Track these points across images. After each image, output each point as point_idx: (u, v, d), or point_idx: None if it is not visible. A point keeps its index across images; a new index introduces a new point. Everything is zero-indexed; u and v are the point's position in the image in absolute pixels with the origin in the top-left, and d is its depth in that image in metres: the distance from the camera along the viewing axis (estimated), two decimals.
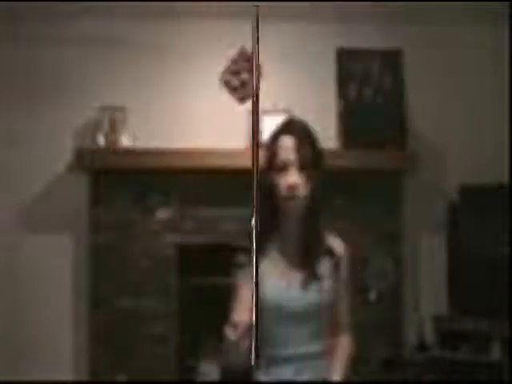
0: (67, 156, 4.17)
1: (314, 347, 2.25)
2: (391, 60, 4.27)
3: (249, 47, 4.28)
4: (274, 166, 2.21)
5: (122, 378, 4.11)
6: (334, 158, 3.66)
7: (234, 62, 4.29)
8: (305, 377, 2.23)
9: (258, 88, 1.02)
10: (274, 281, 2.22)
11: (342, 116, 4.24)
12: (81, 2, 4.20)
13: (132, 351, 4.13)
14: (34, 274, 4.22)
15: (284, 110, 4.07)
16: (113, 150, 4.11)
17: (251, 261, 2.20)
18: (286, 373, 2.23)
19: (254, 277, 1.04)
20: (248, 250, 2.23)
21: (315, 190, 2.23)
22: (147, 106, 4.23)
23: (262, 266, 2.23)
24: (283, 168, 2.20)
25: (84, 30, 4.22)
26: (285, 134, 2.23)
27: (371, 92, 4.24)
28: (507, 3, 4.16)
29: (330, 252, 2.28)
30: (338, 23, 4.27)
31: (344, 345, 2.36)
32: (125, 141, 4.13)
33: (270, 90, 4.27)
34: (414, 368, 3.89)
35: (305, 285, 2.21)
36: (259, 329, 2.24)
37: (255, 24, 0.99)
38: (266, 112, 4.16)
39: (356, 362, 2.39)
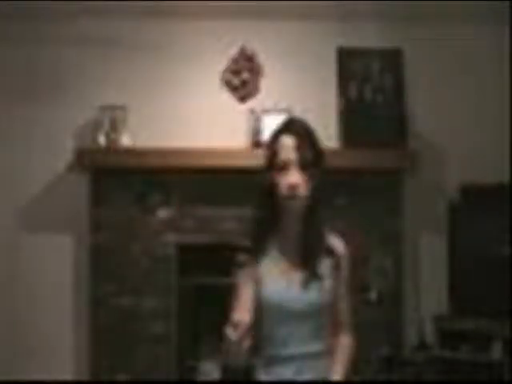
0: (67, 156, 4.17)
1: (314, 347, 2.24)
2: (391, 59, 4.27)
3: (249, 46, 4.28)
4: (274, 165, 2.21)
5: (122, 377, 4.11)
6: (334, 157, 3.65)
7: (235, 61, 4.29)
8: (305, 376, 2.23)
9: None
10: (275, 280, 2.22)
11: (342, 115, 4.24)
12: (80, 2, 4.21)
13: (132, 351, 4.13)
14: (34, 273, 4.23)
15: (284, 110, 4.08)
16: (113, 149, 4.11)
17: (251, 260, 2.21)
18: (287, 372, 2.23)
19: None
20: (248, 250, 2.24)
21: (316, 189, 2.23)
22: (147, 106, 4.24)
23: (262, 266, 2.24)
24: (284, 167, 2.19)
25: (84, 29, 4.23)
26: (285, 134, 2.23)
27: (371, 91, 4.24)
28: (507, 3, 4.16)
29: (330, 251, 2.28)
30: (339, 22, 4.27)
31: (344, 344, 2.35)
32: (125, 140, 4.13)
33: (270, 89, 4.28)
34: (414, 368, 3.89)
35: (305, 284, 2.21)
36: (259, 328, 2.24)
37: None
38: (267, 111, 4.16)
39: (356, 361, 2.39)
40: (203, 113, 4.24)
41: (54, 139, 4.23)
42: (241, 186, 3.76)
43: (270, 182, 2.22)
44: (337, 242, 2.33)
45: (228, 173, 4.06)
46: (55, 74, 4.26)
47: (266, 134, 3.74)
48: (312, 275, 2.21)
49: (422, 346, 4.00)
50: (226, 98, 4.29)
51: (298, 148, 2.19)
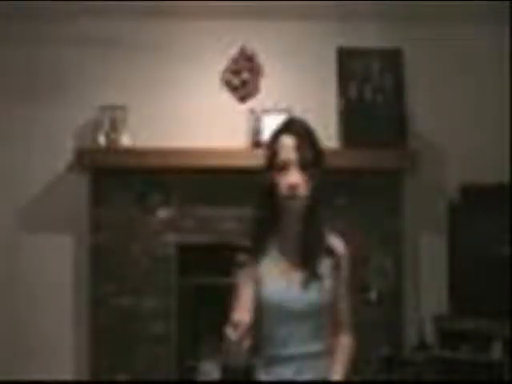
0: (67, 156, 4.17)
1: (314, 347, 2.24)
2: (391, 59, 4.27)
3: (249, 46, 4.28)
4: (274, 165, 2.21)
5: (122, 377, 4.11)
6: (334, 157, 3.65)
7: (235, 61, 4.28)
8: (305, 376, 2.23)
9: None
10: (275, 280, 2.22)
11: (342, 115, 4.24)
12: (80, 2, 4.21)
13: (132, 351, 4.13)
14: (34, 273, 4.23)
15: (284, 110, 4.08)
16: (113, 149, 4.11)
17: (251, 260, 2.21)
18: (287, 372, 2.23)
19: None
20: (248, 250, 2.24)
21: (316, 189, 2.23)
22: (147, 106, 4.24)
23: (262, 266, 2.24)
24: (284, 167, 2.19)
25: (84, 29, 4.23)
26: (285, 134, 2.23)
27: (371, 91, 4.24)
28: (507, 3, 4.16)
29: (330, 251, 2.28)
30: (339, 22, 4.27)
31: (344, 344, 2.35)
32: (125, 140, 4.13)
33: (270, 89, 4.28)
34: (414, 368, 3.89)
35: (305, 284, 2.21)
36: (259, 328, 2.24)
37: None
38: (267, 111, 4.17)
39: (356, 361, 2.39)
40: (203, 113, 4.24)
41: (54, 139, 4.23)
42: (241, 186, 3.76)
43: (270, 182, 2.22)
44: (337, 242, 2.33)
45: (228, 173, 4.06)
46: (55, 74, 4.26)
47: (266, 134, 3.74)
48: (312, 275, 2.21)
49: (422, 346, 4.00)
50: (226, 98, 4.29)
51: (298, 148, 2.19)
